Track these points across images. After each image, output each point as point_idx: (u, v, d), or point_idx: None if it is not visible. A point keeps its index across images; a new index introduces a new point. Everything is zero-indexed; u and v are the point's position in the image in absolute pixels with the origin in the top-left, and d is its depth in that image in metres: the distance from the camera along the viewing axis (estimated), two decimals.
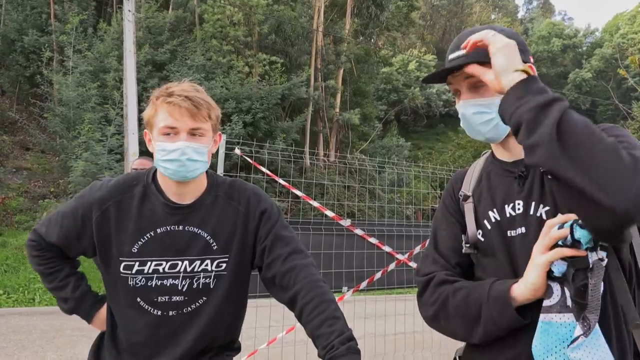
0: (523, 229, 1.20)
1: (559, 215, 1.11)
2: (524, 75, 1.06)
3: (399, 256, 4.68)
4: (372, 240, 4.61)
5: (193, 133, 1.44)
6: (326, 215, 4.52)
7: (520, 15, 61.26)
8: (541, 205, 1.18)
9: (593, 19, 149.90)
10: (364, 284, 4.47)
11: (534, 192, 1.20)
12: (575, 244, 1.04)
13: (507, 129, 1.25)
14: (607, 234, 1.00)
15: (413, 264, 4.71)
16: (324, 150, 22.33)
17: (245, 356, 4.17)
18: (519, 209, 1.22)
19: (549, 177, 1.17)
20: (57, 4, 18.90)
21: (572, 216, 1.06)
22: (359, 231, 4.53)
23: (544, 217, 1.17)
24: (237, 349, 1.67)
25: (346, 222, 4.49)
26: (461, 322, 1.21)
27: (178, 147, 1.41)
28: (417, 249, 4.76)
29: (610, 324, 1.08)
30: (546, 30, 47.80)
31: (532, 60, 1.23)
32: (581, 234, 1.02)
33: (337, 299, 4.26)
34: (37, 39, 17.69)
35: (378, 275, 4.55)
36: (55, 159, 16.37)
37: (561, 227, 1.07)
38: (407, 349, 5.03)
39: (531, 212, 1.19)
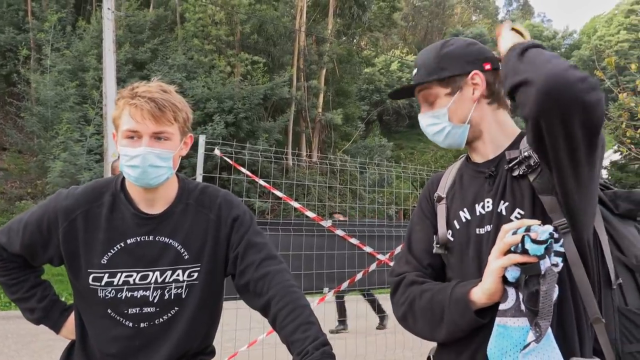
0: (489, 227, 1.24)
1: (519, 218, 1.15)
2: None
3: (380, 256, 4.69)
4: (353, 240, 4.61)
5: (157, 137, 1.38)
6: (307, 216, 4.52)
7: (500, 16, 61.98)
8: (502, 202, 1.23)
9: (571, 21, 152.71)
10: (345, 285, 4.48)
11: (499, 189, 1.25)
12: (526, 251, 1.06)
13: (464, 136, 1.34)
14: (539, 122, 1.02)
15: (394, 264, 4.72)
16: (306, 150, 22.30)
17: (226, 358, 4.14)
18: (488, 207, 1.26)
19: (514, 174, 1.21)
20: (35, 1, 18.57)
21: (527, 222, 1.10)
22: (339, 232, 4.53)
23: (504, 212, 1.22)
24: (211, 353, 1.64)
25: (327, 223, 4.49)
26: (427, 323, 1.27)
27: (139, 153, 1.35)
28: (398, 249, 4.77)
29: (571, 317, 1.12)
30: None
31: (487, 67, 1.31)
32: (530, 246, 1.04)
33: (318, 299, 4.25)
34: (13, 36, 17.35)
35: (359, 275, 4.55)
36: (33, 159, 16.06)
37: (515, 232, 1.09)
38: (387, 348, 5.06)
39: (497, 209, 1.24)
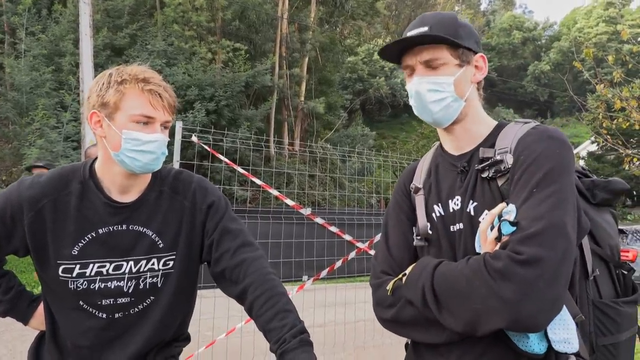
0: (461, 225, 1.23)
1: (486, 215, 1.16)
2: None
3: (359, 244, 4.70)
4: (332, 228, 4.62)
5: (164, 126, 1.39)
6: (287, 204, 4.49)
7: (482, 7, 62.34)
8: (471, 201, 1.21)
9: (552, 12, 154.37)
10: (324, 273, 4.48)
11: (469, 187, 1.23)
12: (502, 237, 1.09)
13: (457, 113, 1.27)
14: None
15: (373, 252, 4.75)
16: (288, 138, 22.21)
17: (204, 347, 4.12)
18: (457, 205, 1.25)
19: (482, 175, 1.21)
20: None
21: (494, 212, 1.12)
22: (319, 220, 4.53)
23: (472, 213, 1.20)
24: (187, 339, 1.63)
25: (306, 211, 4.47)
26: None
27: (156, 139, 1.34)
28: (378, 237, 4.79)
29: None
30: (507, 23, 48.92)
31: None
32: (506, 229, 1.08)
33: (297, 287, 4.25)
34: None
35: (338, 263, 4.56)
36: (8, 146, 15.66)
37: (492, 226, 1.12)
38: (367, 335, 5.09)
39: (466, 208, 1.22)
